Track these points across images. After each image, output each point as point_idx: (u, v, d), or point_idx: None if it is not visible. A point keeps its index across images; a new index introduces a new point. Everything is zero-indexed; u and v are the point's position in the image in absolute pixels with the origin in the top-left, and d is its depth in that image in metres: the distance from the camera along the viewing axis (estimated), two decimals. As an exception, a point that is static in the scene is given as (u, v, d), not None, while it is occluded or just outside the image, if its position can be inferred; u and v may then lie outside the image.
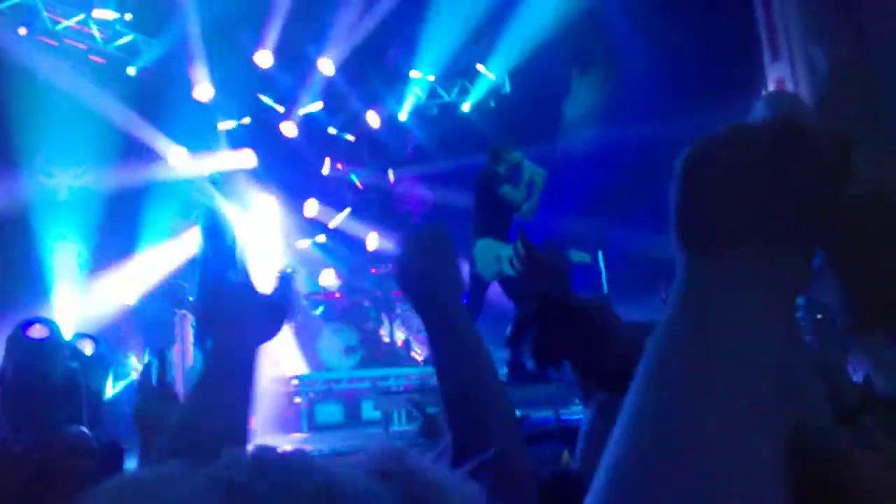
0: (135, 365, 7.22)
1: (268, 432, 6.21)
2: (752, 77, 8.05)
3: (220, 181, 6.60)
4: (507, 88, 10.77)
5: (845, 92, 6.84)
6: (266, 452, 0.49)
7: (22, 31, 8.05)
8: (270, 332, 1.26)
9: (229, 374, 1.20)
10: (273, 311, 1.26)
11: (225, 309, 1.24)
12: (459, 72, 10.67)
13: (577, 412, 6.10)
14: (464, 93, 10.86)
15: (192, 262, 6.32)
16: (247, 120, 9.72)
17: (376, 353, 8.24)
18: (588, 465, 1.48)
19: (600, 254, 7.31)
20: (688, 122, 8.30)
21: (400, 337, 8.62)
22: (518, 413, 5.50)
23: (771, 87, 7.89)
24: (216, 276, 1.27)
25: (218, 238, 1.39)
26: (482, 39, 9.97)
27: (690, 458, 0.46)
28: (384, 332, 8.43)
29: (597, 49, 9.72)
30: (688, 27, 8.33)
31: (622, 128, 9.00)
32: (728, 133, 0.57)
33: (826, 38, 7.19)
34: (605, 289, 7.24)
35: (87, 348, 5.38)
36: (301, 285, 8.35)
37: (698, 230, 0.55)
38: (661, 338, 0.53)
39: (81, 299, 7.56)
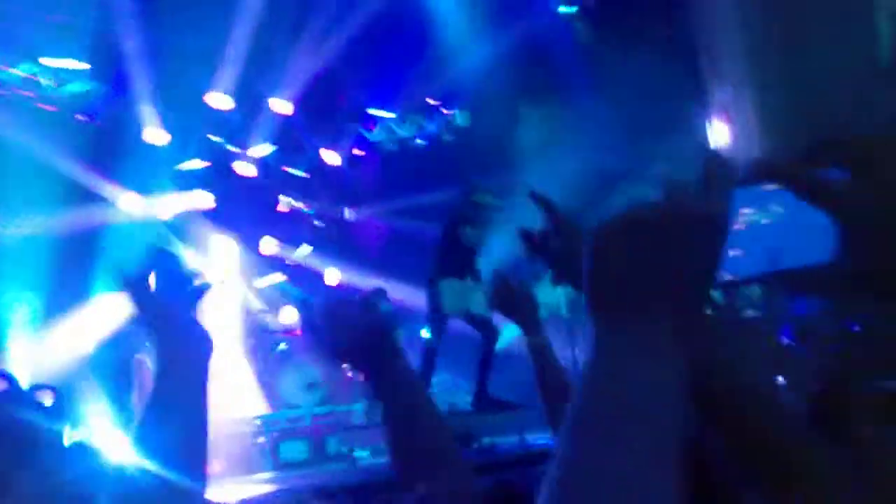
0: (90, 416, 7.09)
1: (232, 473, 6.13)
2: (696, 105, 8.30)
3: (177, 224, 6.57)
4: (462, 122, 10.92)
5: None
6: None
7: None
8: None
9: (181, 400, 1.22)
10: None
11: (170, 323, 1.26)
12: (415, 108, 10.81)
13: (544, 437, 6.15)
14: (420, 128, 10.98)
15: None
16: (202, 162, 9.69)
17: (339, 389, 8.21)
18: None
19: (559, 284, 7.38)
20: (636, 152, 8.52)
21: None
22: (486, 440, 5.53)
23: (715, 114, 8.14)
24: (161, 296, 1.30)
25: (169, 277, 1.42)
26: (436, 75, 10.12)
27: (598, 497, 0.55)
28: (346, 367, 8.40)
29: (545, 82, 9.92)
30: (634, 58, 8.56)
31: (574, 157, 9.18)
32: (629, 214, 0.66)
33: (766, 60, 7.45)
34: (565, 313, 7.34)
35: (47, 399, 5.29)
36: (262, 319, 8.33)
37: (604, 298, 0.64)
38: (577, 395, 0.62)
39: (37, 349, 7.42)
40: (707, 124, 8.16)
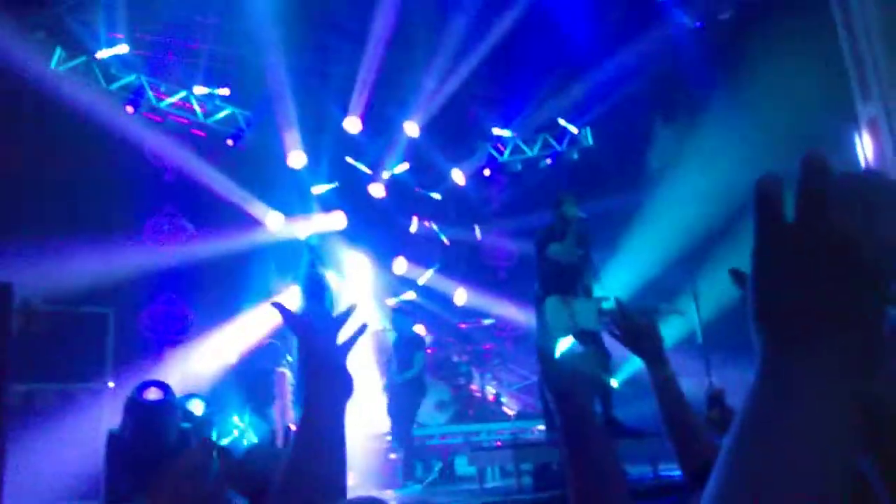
0: (237, 423, 7.47)
1: (365, 487, 6.30)
2: (841, 119, 7.89)
3: (318, 244, 6.88)
4: (590, 141, 10.83)
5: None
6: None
7: (129, 109, 8.64)
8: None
9: (323, 429, 1.28)
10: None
11: (321, 364, 1.32)
12: (541, 126, 10.81)
13: (676, 468, 5.94)
14: (546, 147, 10.98)
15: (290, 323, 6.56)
16: (337, 184, 10.08)
17: (468, 409, 8.27)
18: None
19: (693, 305, 7.19)
20: (777, 169, 8.17)
21: (491, 392, 8.64)
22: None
23: (863, 127, 7.71)
24: (315, 335, 1.35)
25: (316, 298, 1.48)
26: (563, 93, 10.10)
27: None
28: (475, 387, 8.46)
29: (679, 98, 9.70)
30: (772, 71, 8.25)
31: (708, 176, 8.91)
32: (793, 241, 0.62)
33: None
34: (700, 339, 7.11)
35: (198, 408, 5.64)
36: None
37: (776, 322, 0.62)
38: (740, 418, 0.61)
39: (189, 361, 7.89)
40: (855, 139, 7.76)
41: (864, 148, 7.67)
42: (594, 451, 1.29)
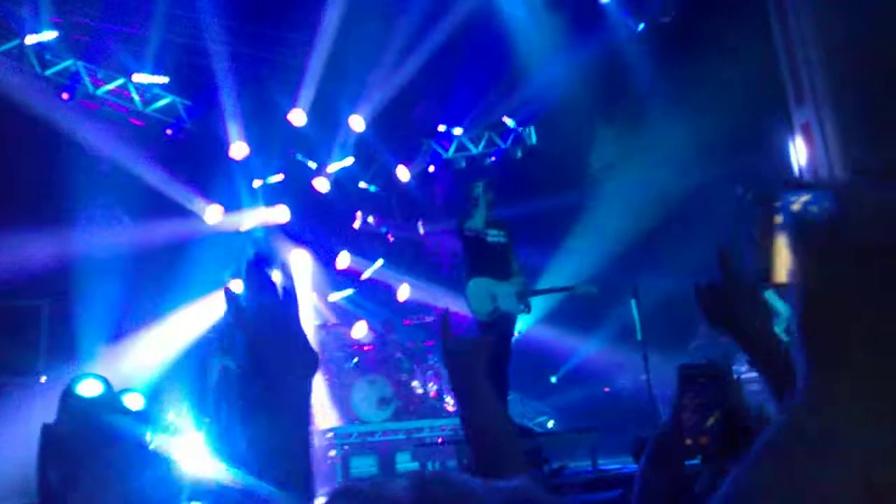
0: (172, 420, 7.30)
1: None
2: (777, 122, 8.11)
3: (263, 237, 6.79)
4: (534, 139, 10.94)
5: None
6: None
7: (64, 95, 8.38)
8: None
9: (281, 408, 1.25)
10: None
11: (281, 343, 1.27)
12: (486, 124, 10.87)
13: (615, 461, 6.07)
14: (491, 145, 11.04)
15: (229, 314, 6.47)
16: (280, 176, 9.96)
17: (410, 405, 8.26)
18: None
19: (633, 302, 7.32)
20: (712, 171, 8.38)
21: (432, 388, 8.65)
22: (556, 464, 5.49)
23: (797, 132, 7.94)
24: (269, 317, 1.32)
25: (262, 290, 1.41)
26: (508, 92, 10.17)
27: None
28: (417, 384, 8.46)
29: (620, 100, 9.86)
30: (711, 74, 8.43)
31: (647, 176, 9.08)
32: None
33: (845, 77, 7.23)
34: (639, 336, 7.24)
35: (135, 403, 5.49)
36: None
37: (823, 326, 0.61)
38: (786, 426, 0.61)
39: (126, 355, 7.69)
40: (788, 143, 7.99)
41: (798, 152, 7.89)
42: (485, 411, 1.40)
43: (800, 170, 7.82)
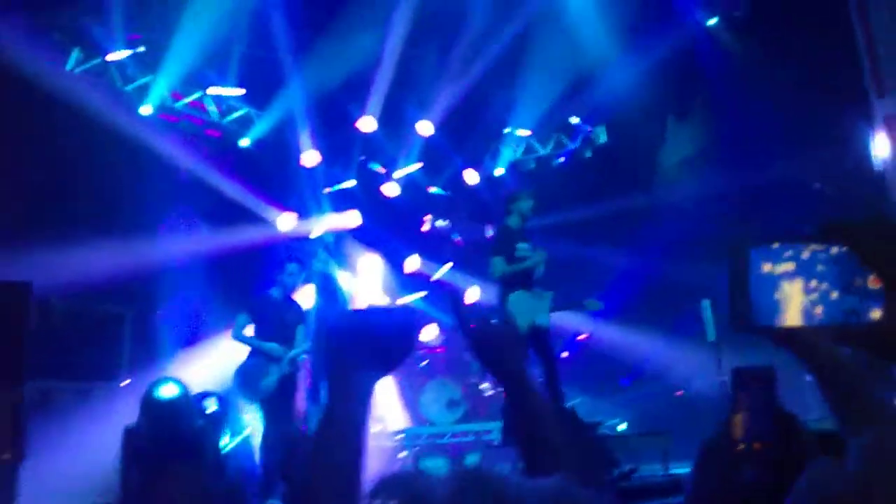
0: (249, 421, 7.51)
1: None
2: (857, 117, 7.82)
3: (331, 243, 6.93)
4: (603, 139, 10.81)
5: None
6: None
7: (146, 109, 8.70)
8: (389, 365, 1.31)
9: (345, 421, 1.28)
10: (392, 343, 1.31)
11: (342, 358, 1.29)
12: (555, 126, 10.80)
13: (688, 466, 5.94)
14: (560, 146, 10.97)
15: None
16: (352, 182, 10.12)
17: (479, 407, 8.28)
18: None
19: (707, 302, 7.18)
20: (790, 167, 8.14)
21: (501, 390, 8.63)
22: (627, 466, 5.44)
23: (879, 125, 7.64)
24: (332, 329, 1.35)
25: (330, 295, 1.47)
26: (577, 92, 10.08)
27: None
28: (486, 386, 8.48)
29: (693, 96, 9.67)
30: (787, 69, 8.20)
31: (722, 174, 8.88)
32: None
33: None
34: (713, 337, 7.10)
35: (212, 406, 5.68)
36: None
37: None
38: None
39: (203, 359, 7.94)
40: (868, 136, 7.70)
41: (879, 146, 7.60)
42: (529, 407, 1.38)
43: (882, 164, 7.53)
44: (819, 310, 1.02)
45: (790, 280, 1.03)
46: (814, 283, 1.03)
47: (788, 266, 1.03)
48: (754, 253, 1.05)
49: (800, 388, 2.67)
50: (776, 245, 1.04)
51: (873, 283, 0.97)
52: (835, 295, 1.02)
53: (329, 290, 6.33)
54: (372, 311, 1.37)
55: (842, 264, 1.00)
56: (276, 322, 6.44)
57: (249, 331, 6.49)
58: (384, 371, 1.30)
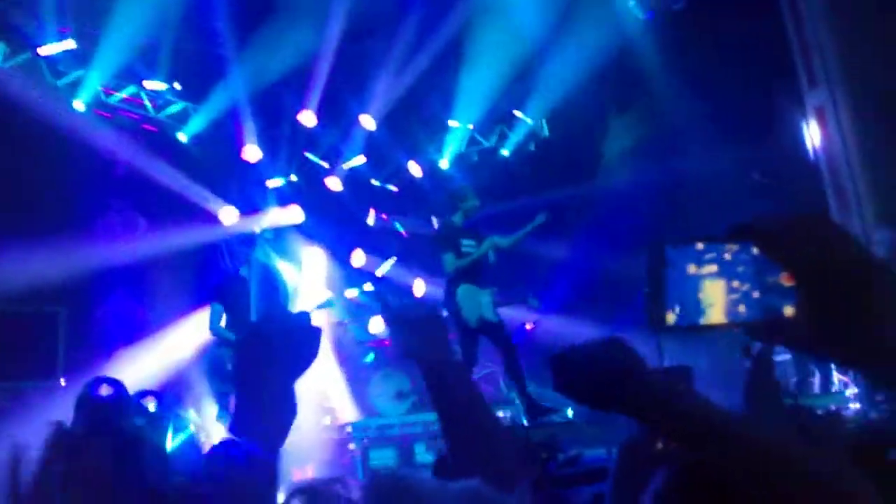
0: (193, 418, 7.40)
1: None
2: (791, 107, 8.03)
3: (272, 238, 6.87)
4: (546, 132, 10.91)
5: None
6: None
7: (78, 104, 8.47)
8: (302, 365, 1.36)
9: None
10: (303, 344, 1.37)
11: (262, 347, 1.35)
12: (498, 118, 10.86)
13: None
14: (503, 138, 11.03)
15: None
16: (293, 177, 10.02)
17: (427, 398, 8.29)
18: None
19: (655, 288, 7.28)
20: (727, 157, 8.33)
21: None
22: (574, 452, 5.50)
23: (810, 115, 7.86)
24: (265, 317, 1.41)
25: (269, 291, 1.51)
26: (519, 85, 10.14)
27: None
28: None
29: (633, 88, 9.81)
30: (723, 61, 8.38)
31: (662, 165, 9.03)
32: None
33: (858, 59, 7.14)
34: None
35: (151, 405, 5.59)
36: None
37: None
38: None
39: (142, 357, 7.80)
40: (802, 126, 7.92)
41: (812, 135, 7.81)
42: (459, 395, 1.39)
43: (815, 153, 7.75)
44: (742, 308, 1.06)
45: (713, 280, 1.06)
46: (735, 283, 1.06)
47: (711, 268, 1.06)
48: (676, 254, 1.08)
49: (730, 383, 2.73)
50: (696, 244, 1.08)
51: (786, 279, 1.01)
52: (756, 294, 1.05)
53: (271, 284, 6.26)
54: (278, 319, 1.43)
55: (759, 264, 1.04)
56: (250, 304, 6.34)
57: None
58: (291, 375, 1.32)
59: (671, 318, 1.07)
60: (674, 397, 1.07)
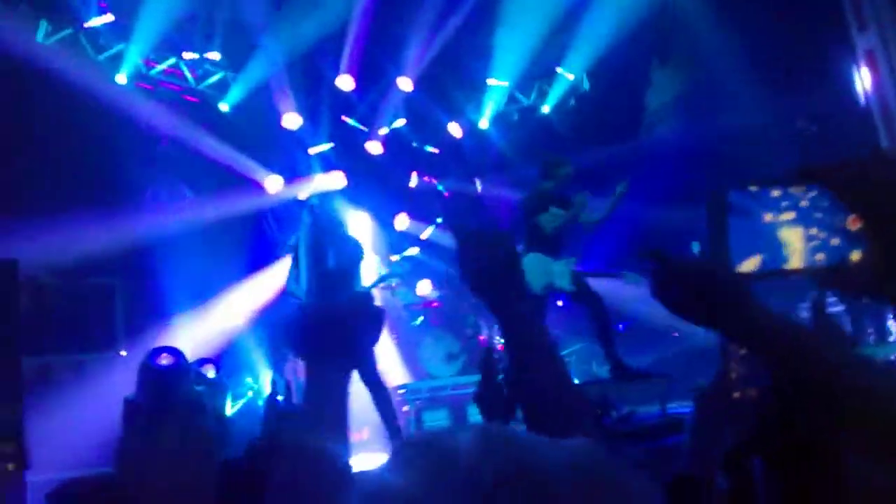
0: (251, 384, 7.56)
1: (379, 441, 6.41)
2: (839, 53, 7.78)
3: (318, 204, 6.87)
4: (586, 86, 10.73)
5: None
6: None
7: (121, 78, 8.54)
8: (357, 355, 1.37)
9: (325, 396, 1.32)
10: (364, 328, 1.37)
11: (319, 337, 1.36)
12: (537, 75, 10.70)
13: (685, 405, 6.04)
14: (542, 95, 10.88)
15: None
16: (333, 144, 10.03)
17: (477, 358, 8.34)
18: (695, 459, 1.51)
19: (697, 245, 7.18)
20: (774, 107, 8.11)
21: (499, 341, 8.70)
22: (626, 409, 5.50)
23: (861, 60, 7.61)
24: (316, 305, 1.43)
25: (318, 259, 1.52)
26: (557, 40, 9.96)
27: None
28: (483, 338, 8.53)
29: (675, 39, 9.57)
30: (768, 6, 8.13)
31: (706, 118, 8.84)
32: None
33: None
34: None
35: (210, 372, 5.72)
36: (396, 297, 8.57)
37: None
38: None
39: (200, 325, 7.95)
40: (853, 72, 7.67)
41: (863, 80, 7.58)
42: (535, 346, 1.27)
43: (866, 98, 7.52)
44: (820, 256, 1.06)
45: (791, 227, 1.06)
46: (813, 230, 1.06)
47: (789, 215, 1.06)
48: (745, 200, 1.06)
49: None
50: (770, 191, 1.06)
51: (852, 223, 0.99)
52: (835, 241, 1.05)
53: (318, 252, 6.24)
54: (335, 305, 1.44)
55: (835, 210, 1.03)
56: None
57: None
58: (352, 362, 1.35)
59: (753, 263, 1.06)
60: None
